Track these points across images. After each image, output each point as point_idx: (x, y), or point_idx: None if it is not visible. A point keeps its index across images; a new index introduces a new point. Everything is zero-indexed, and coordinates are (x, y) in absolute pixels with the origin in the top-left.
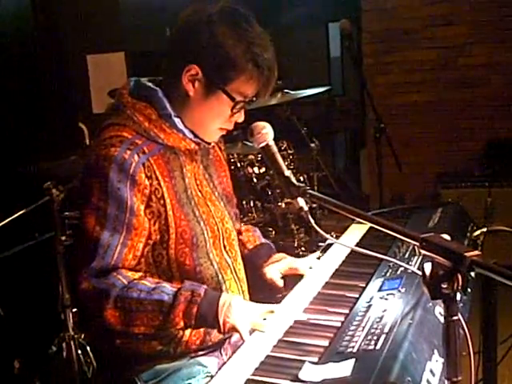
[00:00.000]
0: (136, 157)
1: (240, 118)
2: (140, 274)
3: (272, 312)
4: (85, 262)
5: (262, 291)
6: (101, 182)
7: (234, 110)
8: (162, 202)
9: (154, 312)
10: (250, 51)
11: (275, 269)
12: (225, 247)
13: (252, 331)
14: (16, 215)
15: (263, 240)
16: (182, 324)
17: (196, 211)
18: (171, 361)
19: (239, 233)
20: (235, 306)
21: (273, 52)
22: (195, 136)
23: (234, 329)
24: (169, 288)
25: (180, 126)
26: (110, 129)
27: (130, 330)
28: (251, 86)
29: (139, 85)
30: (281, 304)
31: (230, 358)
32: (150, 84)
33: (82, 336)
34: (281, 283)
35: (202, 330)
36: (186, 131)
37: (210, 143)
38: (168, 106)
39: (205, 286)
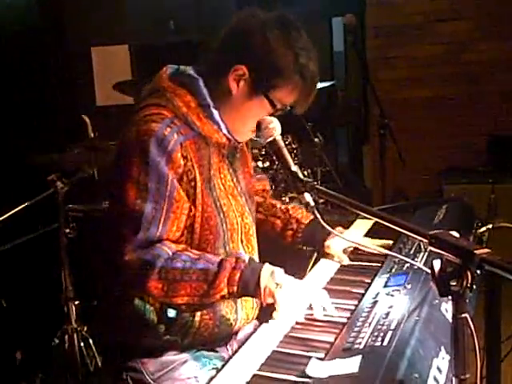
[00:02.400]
0: (175, 135)
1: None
2: (183, 245)
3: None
4: (129, 235)
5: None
6: (141, 156)
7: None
8: (192, 183)
9: (199, 281)
10: (298, 62)
11: (340, 243)
12: (242, 241)
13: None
14: (20, 207)
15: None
16: (225, 291)
17: (217, 202)
18: (178, 352)
19: (287, 210)
20: (278, 274)
21: (317, 65)
22: (228, 132)
23: (272, 296)
24: (213, 257)
25: (217, 117)
26: (150, 107)
27: (173, 301)
28: (293, 95)
29: (180, 71)
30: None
31: (235, 352)
32: (191, 72)
33: (85, 329)
34: (345, 259)
35: (211, 322)
36: (222, 125)
37: (239, 142)
38: (208, 96)
39: (248, 255)
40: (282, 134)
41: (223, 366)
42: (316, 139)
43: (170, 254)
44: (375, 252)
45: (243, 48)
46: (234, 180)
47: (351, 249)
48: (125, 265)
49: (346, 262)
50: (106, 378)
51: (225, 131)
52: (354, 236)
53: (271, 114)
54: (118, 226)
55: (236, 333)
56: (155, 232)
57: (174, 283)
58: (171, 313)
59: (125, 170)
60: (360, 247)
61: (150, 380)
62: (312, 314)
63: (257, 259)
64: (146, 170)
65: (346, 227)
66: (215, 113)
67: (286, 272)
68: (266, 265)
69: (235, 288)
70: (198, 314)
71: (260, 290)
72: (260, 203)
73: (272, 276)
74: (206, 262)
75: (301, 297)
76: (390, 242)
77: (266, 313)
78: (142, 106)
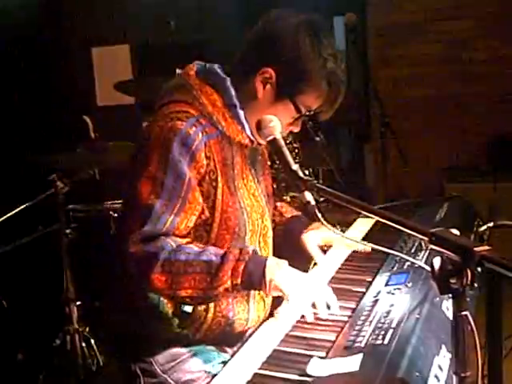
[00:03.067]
0: (200, 134)
1: (297, 128)
2: (188, 239)
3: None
4: (135, 226)
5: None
6: (162, 152)
7: (295, 121)
8: (214, 184)
9: (203, 273)
10: (326, 68)
11: (315, 236)
12: (259, 243)
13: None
14: (20, 208)
15: (298, 213)
16: (229, 283)
17: (242, 202)
18: (188, 346)
19: (274, 207)
20: (283, 267)
21: (345, 71)
22: (251, 133)
23: (278, 289)
24: (217, 250)
25: (242, 118)
26: (176, 104)
27: (177, 294)
28: (319, 101)
29: (207, 69)
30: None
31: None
32: (219, 70)
33: (87, 329)
34: (320, 254)
35: (223, 320)
36: (246, 126)
37: (260, 144)
38: (234, 96)
39: (252, 247)
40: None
41: (225, 363)
42: (317, 138)
43: (174, 246)
44: (376, 250)
45: (272, 51)
46: (256, 181)
47: (326, 245)
48: (129, 257)
49: (320, 258)
50: (111, 374)
51: (248, 132)
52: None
53: (296, 119)
54: (126, 218)
55: (245, 334)
56: (162, 227)
57: (177, 276)
58: (187, 307)
59: (143, 164)
60: (362, 244)
61: (159, 371)
62: (315, 313)
63: None
64: (165, 167)
65: (348, 226)
66: (241, 113)
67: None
68: (272, 257)
69: (239, 280)
70: (212, 310)
71: (265, 282)
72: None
73: (278, 268)
74: (210, 254)
75: (307, 289)
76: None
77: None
78: (167, 102)
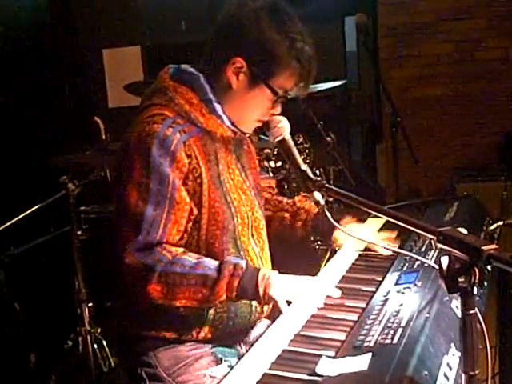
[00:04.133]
0: (178, 134)
1: (278, 110)
2: (182, 249)
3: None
4: (129, 236)
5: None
6: (143, 158)
7: (274, 104)
8: (198, 180)
9: (198, 286)
10: (294, 47)
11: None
12: (253, 235)
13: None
14: (31, 210)
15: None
16: (224, 297)
17: (228, 197)
18: (193, 347)
19: (294, 203)
20: (274, 279)
21: (313, 48)
22: (233, 125)
23: (272, 300)
24: (211, 263)
25: (220, 112)
26: (152, 108)
27: (172, 304)
28: (293, 80)
29: (181, 70)
30: (315, 278)
31: (248, 350)
32: (192, 69)
33: (98, 330)
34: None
35: (225, 315)
36: (225, 118)
37: (245, 133)
38: (209, 91)
39: (245, 261)
40: (294, 134)
41: (236, 363)
42: (328, 138)
43: (170, 257)
44: (386, 249)
45: (237, 40)
46: (243, 175)
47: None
48: (125, 267)
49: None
50: (121, 377)
51: (228, 124)
52: (364, 233)
53: (275, 102)
54: (119, 228)
55: (252, 328)
56: (155, 235)
57: (173, 287)
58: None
59: (127, 172)
60: (372, 244)
61: (164, 375)
62: (322, 314)
63: (268, 252)
64: (148, 171)
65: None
66: (217, 107)
67: (298, 271)
68: (263, 269)
69: (234, 294)
70: (212, 308)
71: (260, 296)
72: (268, 199)
73: (269, 281)
74: (205, 267)
75: (302, 293)
76: (393, 235)
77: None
78: (144, 107)
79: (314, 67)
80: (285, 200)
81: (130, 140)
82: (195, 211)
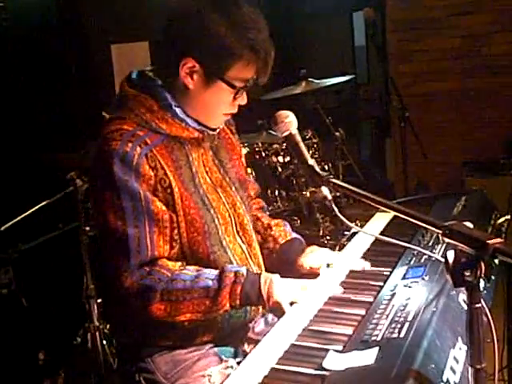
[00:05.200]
0: (138, 148)
1: (243, 101)
2: (179, 263)
3: (306, 288)
4: (121, 261)
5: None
6: (108, 179)
7: (236, 96)
8: (168, 190)
9: (201, 298)
10: (245, 36)
11: (313, 258)
12: (238, 233)
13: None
14: (39, 205)
15: (294, 235)
16: (227, 306)
17: (205, 199)
18: (190, 350)
19: (269, 227)
20: (276, 282)
21: (266, 31)
22: (199, 124)
23: (277, 303)
24: (211, 273)
25: (182, 115)
26: (111, 123)
27: (177, 319)
28: (250, 70)
29: (142, 75)
30: (316, 280)
31: (254, 347)
32: (150, 74)
33: (107, 326)
34: (322, 273)
35: (219, 317)
36: (189, 120)
37: (214, 130)
38: (168, 96)
39: (245, 267)
40: (303, 129)
41: (239, 362)
42: (337, 133)
43: (170, 275)
44: (394, 244)
45: (184, 40)
46: (221, 171)
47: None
48: (126, 292)
49: (324, 276)
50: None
51: (194, 125)
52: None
53: (236, 94)
54: (109, 254)
55: (249, 324)
56: (146, 252)
57: (176, 303)
58: None
59: (98, 195)
60: (379, 239)
61: (162, 380)
62: (330, 309)
63: (256, 248)
64: (117, 191)
65: (367, 220)
66: (178, 111)
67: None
68: (264, 274)
69: (237, 301)
70: None
71: (264, 300)
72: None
73: (272, 285)
74: (206, 278)
75: (304, 295)
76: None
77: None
78: (106, 121)
79: (271, 52)
80: (263, 220)
81: (93, 161)
82: (174, 218)
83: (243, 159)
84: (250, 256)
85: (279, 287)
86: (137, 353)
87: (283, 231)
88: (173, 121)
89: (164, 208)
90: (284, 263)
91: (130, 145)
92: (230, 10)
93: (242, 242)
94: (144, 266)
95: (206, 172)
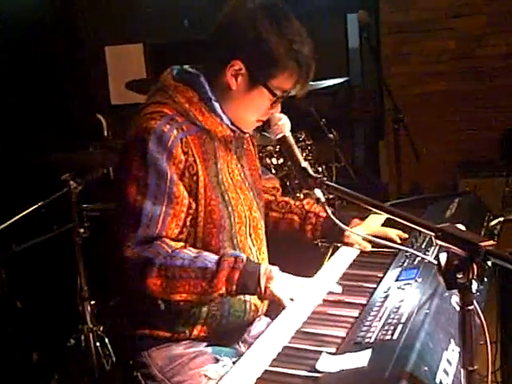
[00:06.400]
0: (175, 131)
1: (277, 110)
2: (182, 243)
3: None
4: (128, 231)
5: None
6: (140, 153)
7: (274, 104)
8: (195, 178)
9: (197, 279)
10: (292, 49)
11: (360, 231)
12: (250, 235)
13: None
14: (34, 207)
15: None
16: (223, 289)
17: (225, 195)
18: (187, 346)
19: (302, 206)
20: (276, 274)
21: (312, 48)
22: (232, 123)
23: (273, 295)
24: (211, 256)
25: (219, 110)
26: (151, 106)
27: (172, 297)
28: (291, 81)
29: (182, 70)
30: (314, 278)
31: (248, 348)
32: (192, 70)
33: (101, 328)
34: (367, 245)
35: (218, 313)
36: (224, 117)
37: (245, 133)
38: (209, 90)
39: (245, 254)
40: (297, 131)
41: (235, 362)
42: (331, 135)
43: (170, 251)
44: (387, 246)
45: (235, 43)
46: (242, 175)
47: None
48: (124, 261)
49: (369, 248)
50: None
51: (228, 123)
52: (368, 228)
53: (274, 102)
54: (119, 223)
55: (248, 326)
56: (154, 229)
57: (172, 280)
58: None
59: (126, 168)
60: (373, 240)
61: (159, 375)
62: (323, 311)
63: (265, 253)
64: (146, 167)
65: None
66: (217, 106)
67: (300, 267)
68: (264, 264)
69: (234, 287)
70: (206, 305)
71: (260, 290)
72: (271, 201)
73: (271, 275)
74: (205, 260)
75: (300, 293)
76: (406, 235)
77: (277, 307)
78: (145, 105)
79: (313, 67)
80: (292, 202)
81: (129, 137)
82: (193, 206)
83: (260, 171)
84: (258, 259)
85: (278, 279)
86: (133, 347)
87: (319, 207)
88: (209, 114)
89: (186, 194)
90: (330, 235)
91: (168, 126)
92: (281, 21)
93: (253, 244)
94: (148, 240)
95: (229, 172)
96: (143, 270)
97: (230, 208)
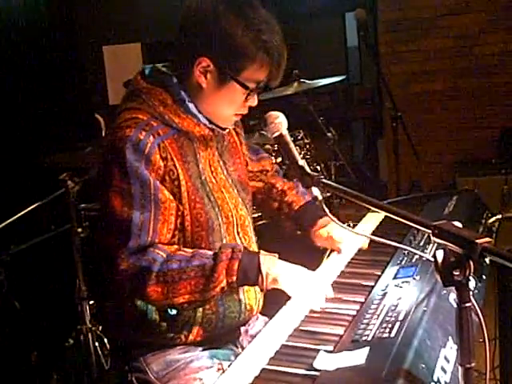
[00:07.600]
0: (151, 137)
1: (254, 102)
2: (175, 246)
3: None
4: (120, 243)
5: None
6: (119, 164)
7: (248, 97)
8: (176, 183)
9: (197, 277)
10: (259, 39)
11: (327, 230)
12: (238, 233)
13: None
14: (32, 207)
15: (307, 198)
16: (224, 282)
17: (211, 196)
18: (183, 351)
19: (283, 192)
20: (277, 260)
21: (281, 34)
22: (210, 122)
23: (275, 282)
24: (207, 253)
25: (194, 110)
26: (125, 112)
27: (175, 301)
28: (263, 72)
29: (155, 71)
30: (315, 272)
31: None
32: (164, 69)
33: (100, 328)
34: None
35: (214, 316)
36: (201, 116)
37: (224, 129)
38: (182, 92)
39: (242, 245)
40: (295, 129)
41: (230, 364)
42: (329, 134)
43: (165, 256)
44: (385, 244)
45: (199, 40)
46: (225, 172)
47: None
48: (121, 274)
49: (342, 252)
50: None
51: (205, 122)
52: (364, 229)
53: (248, 95)
54: (108, 237)
55: (243, 325)
56: (146, 237)
57: (173, 284)
58: (172, 310)
59: (107, 180)
60: (370, 239)
61: (154, 380)
62: (321, 309)
63: (255, 249)
64: (127, 176)
65: (359, 220)
66: (191, 106)
67: (299, 265)
68: (263, 252)
69: (234, 278)
70: (200, 309)
71: (262, 277)
72: (258, 187)
73: (272, 261)
74: (201, 257)
75: (303, 280)
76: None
77: (273, 307)
78: (119, 112)
79: (284, 54)
80: (277, 185)
81: (106, 148)
82: (181, 208)
83: (246, 158)
84: None
85: (280, 265)
86: (129, 352)
87: (296, 195)
88: (185, 116)
89: (171, 197)
90: (300, 229)
91: (143, 133)
92: (245, 11)
93: (241, 242)
94: (141, 249)
95: (212, 172)
96: (142, 279)
97: (216, 209)
